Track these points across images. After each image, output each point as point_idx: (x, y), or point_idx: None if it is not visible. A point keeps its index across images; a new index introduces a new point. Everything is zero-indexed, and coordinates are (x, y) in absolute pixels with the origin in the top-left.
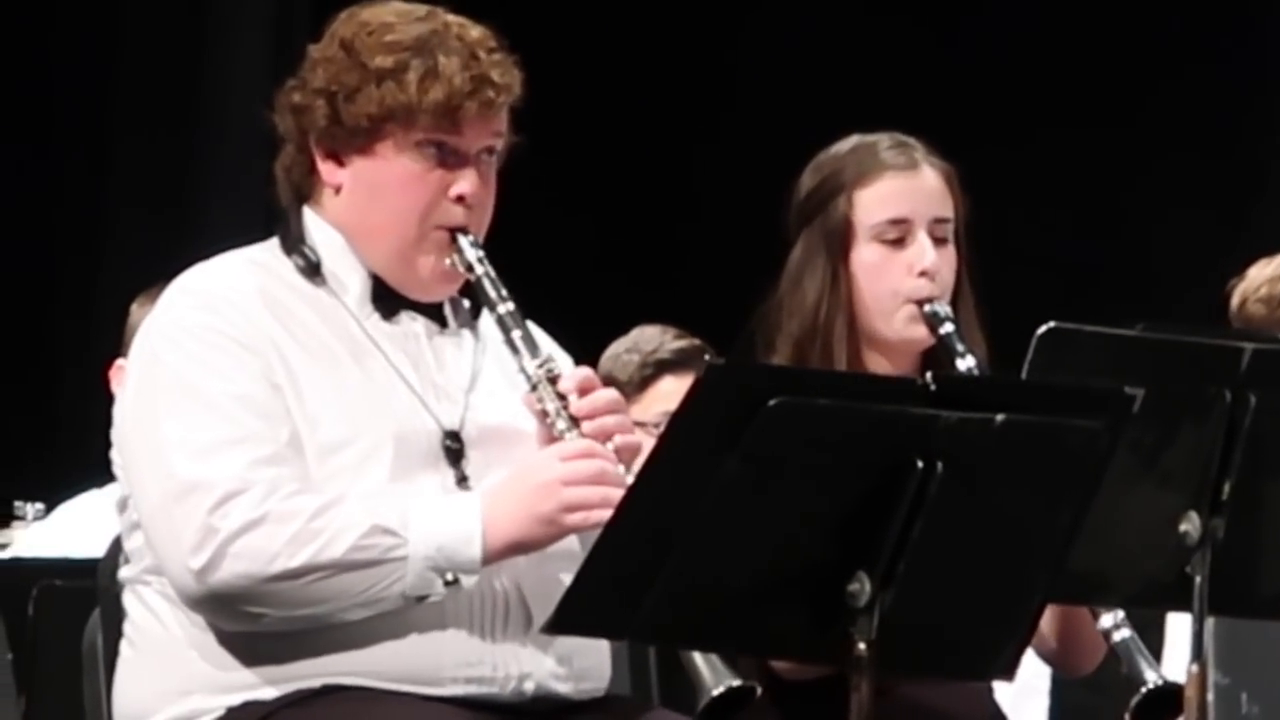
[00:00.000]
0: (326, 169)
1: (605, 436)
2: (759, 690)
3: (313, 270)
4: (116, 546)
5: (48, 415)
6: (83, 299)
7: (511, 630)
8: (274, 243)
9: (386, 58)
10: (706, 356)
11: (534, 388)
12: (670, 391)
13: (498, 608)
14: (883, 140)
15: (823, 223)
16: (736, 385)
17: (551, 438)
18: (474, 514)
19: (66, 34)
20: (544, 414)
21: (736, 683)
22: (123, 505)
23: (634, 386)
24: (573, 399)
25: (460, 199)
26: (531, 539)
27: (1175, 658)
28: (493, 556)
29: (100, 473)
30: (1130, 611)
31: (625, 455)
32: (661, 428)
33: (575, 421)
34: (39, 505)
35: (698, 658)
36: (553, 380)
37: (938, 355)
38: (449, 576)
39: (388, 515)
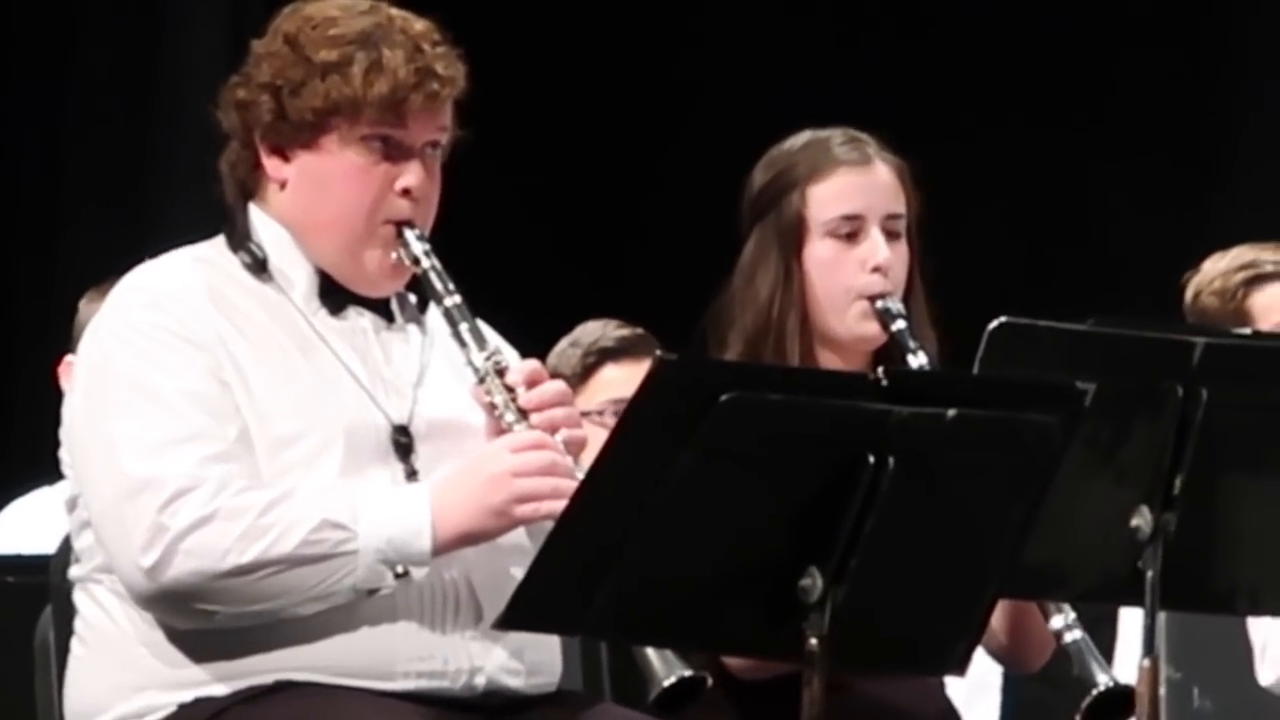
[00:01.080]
0: (271, 164)
1: (553, 429)
2: (710, 681)
3: (259, 267)
4: (69, 543)
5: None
6: (37, 296)
7: (462, 624)
8: (220, 240)
9: (331, 51)
10: (657, 351)
11: (482, 380)
12: (613, 379)
13: (448, 602)
14: (835, 136)
15: (775, 218)
16: (688, 380)
17: (500, 430)
18: (423, 506)
19: (21, 28)
20: (492, 406)
21: (688, 673)
22: (72, 504)
23: (577, 377)
24: (520, 391)
25: (406, 192)
26: (482, 530)
27: (1128, 653)
28: (443, 548)
29: (52, 469)
30: (1083, 607)
31: (573, 448)
32: (606, 415)
33: (523, 414)
34: None
35: (649, 648)
36: (500, 372)
37: (890, 353)
38: (399, 569)
39: (337, 509)
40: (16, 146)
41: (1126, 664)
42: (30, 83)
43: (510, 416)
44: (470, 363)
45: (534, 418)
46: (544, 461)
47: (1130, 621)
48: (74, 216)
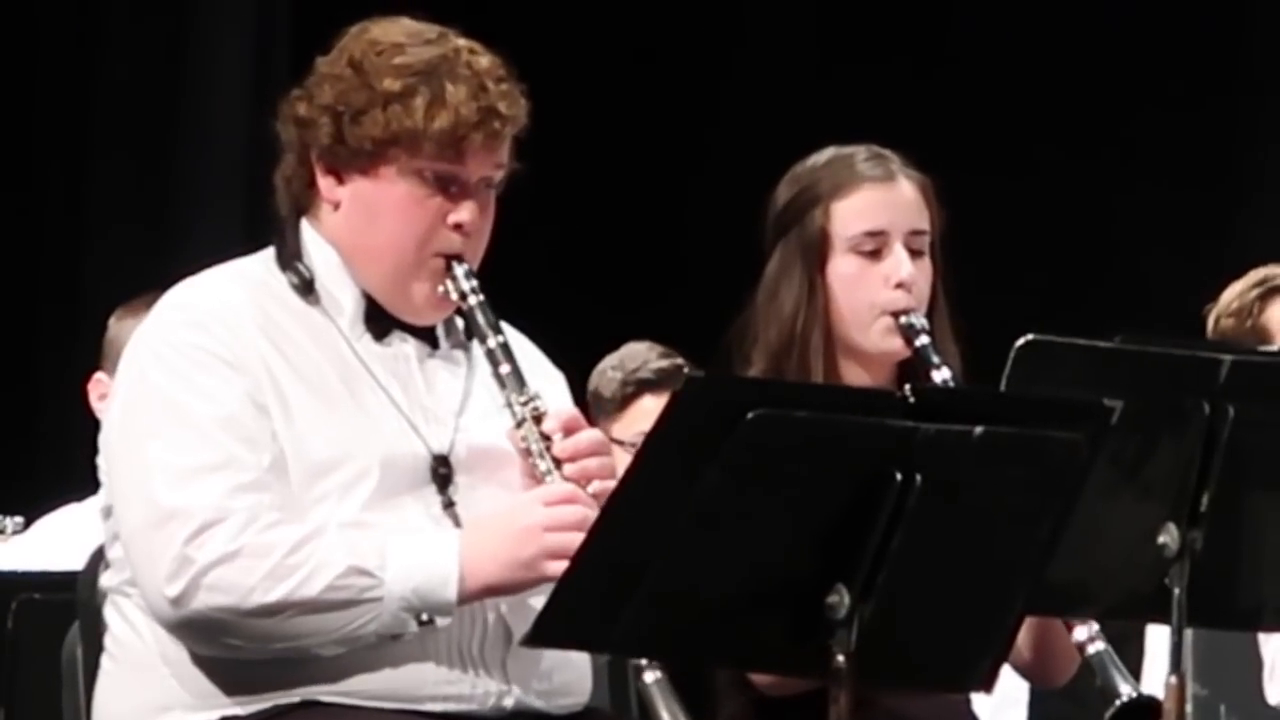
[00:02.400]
0: (326, 184)
1: (586, 480)
2: None
3: (306, 288)
4: (95, 560)
5: (28, 430)
6: (64, 315)
7: (491, 649)
8: (269, 254)
9: (395, 81)
10: (684, 370)
11: (519, 425)
12: (650, 410)
13: (477, 627)
14: (859, 152)
15: (799, 234)
16: (715, 397)
17: (533, 475)
18: (452, 555)
19: (47, 50)
20: (527, 452)
21: None
22: (107, 513)
23: (615, 404)
24: (556, 439)
25: (458, 227)
26: (510, 583)
27: (1155, 669)
28: (468, 599)
29: (80, 486)
30: (1110, 622)
31: (604, 500)
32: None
33: (558, 463)
34: (18, 519)
35: (662, 710)
36: (538, 419)
37: (914, 366)
38: (423, 617)
39: (365, 554)
40: (43, 165)
41: (1154, 680)
42: (55, 101)
43: (544, 465)
44: (509, 405)
45: (567, 468)
46: (576, 517)
47: (1157, 638)
48: (100, 235)
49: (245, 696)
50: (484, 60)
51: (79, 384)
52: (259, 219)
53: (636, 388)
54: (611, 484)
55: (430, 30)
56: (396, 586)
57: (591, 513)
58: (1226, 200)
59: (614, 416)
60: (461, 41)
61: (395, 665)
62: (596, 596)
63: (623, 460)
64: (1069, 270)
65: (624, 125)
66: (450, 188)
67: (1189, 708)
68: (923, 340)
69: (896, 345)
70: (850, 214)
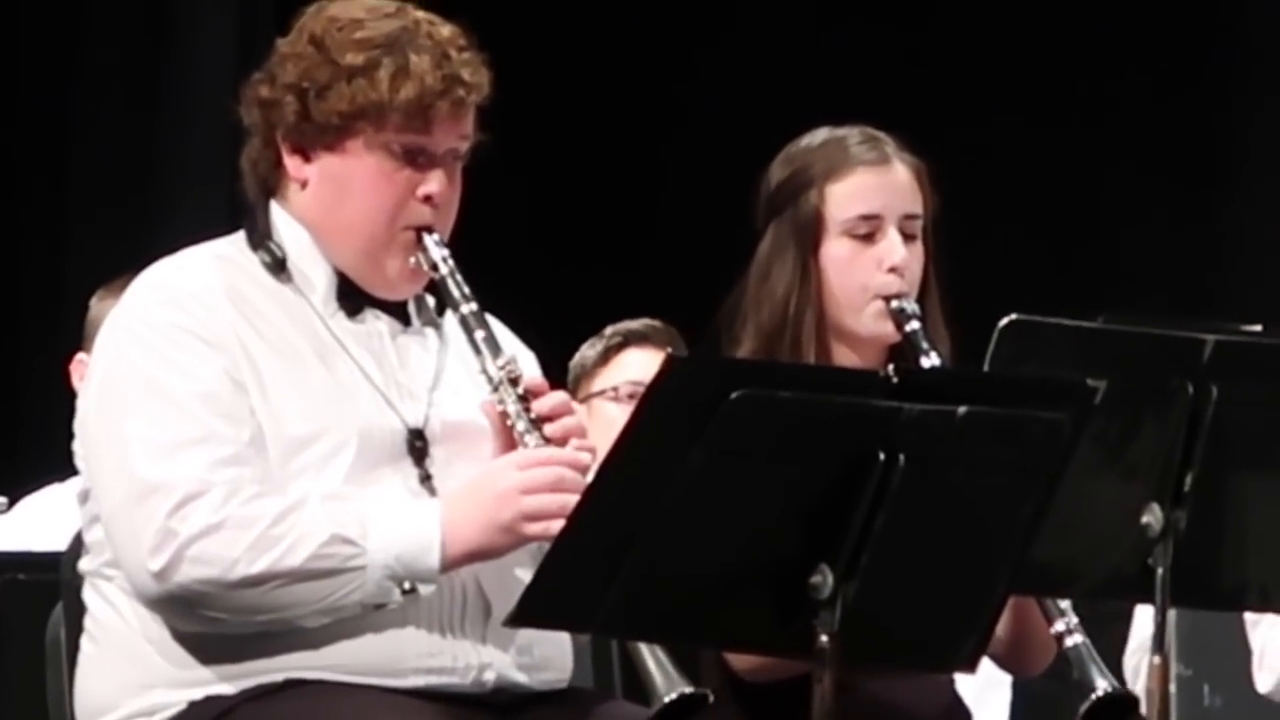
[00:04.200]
0: (293, 164)
1: (567, 437)
2: (711, 698)
3: (278, 266)
4: (79, 541)
5: (11, 410)
6: (47, 294)
7: (470, 622)
8: (240, 237)
9: (358, 55)
10: (671, 350)
11: (495, 389)
12: (635, 362)
13: (455, 600)
14: (853, 134)
15: (793, 215)
16: (699, 378)
17: (511, 439)
18: (433, 523)
19: (28, 27)
20: (504, 415)
21: (689, 690)
22: (84, 497)
23: (600, 357)
24: (534, 402)
25: (428, 199)
26: (491, 547)
27: (1137, 649)
28: (451, 565)
29: (63, 466)
30: (1100, 604)
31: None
32: (621, 393)
33: (536, 423)
34: (1, 499)
35: (650, 662)
36: (514, 382)
37: (905, 349)
38: (406, 585)
39: (347, 524)
40: (25, 145)
41: (1135, 660)
42: (38, 82)
43: (522, 425)
44: (484, 371)
45: (548, 427)
46: (551, 477)
47: (1143, 617)
48: (83, 215)
49: (228, 671)
50: (444, 30)
51: (61, 364)
52: (241, 202)
53: (623, 339)
54: (588, 442)
55: (388, 5)
56: (379, 555)
57: (567, 473)
58: (1212, 178)
59: (597, 370)
60: (420, 14)
61: (376, 640)
62: (580, 577)
63: (603, 409)
64: (1053, 249)
65: (601, 94)
66: (418, 159)
67: (1172, 688)
68: (913, 325)
69: (888, 329)
70: (844, 197)
